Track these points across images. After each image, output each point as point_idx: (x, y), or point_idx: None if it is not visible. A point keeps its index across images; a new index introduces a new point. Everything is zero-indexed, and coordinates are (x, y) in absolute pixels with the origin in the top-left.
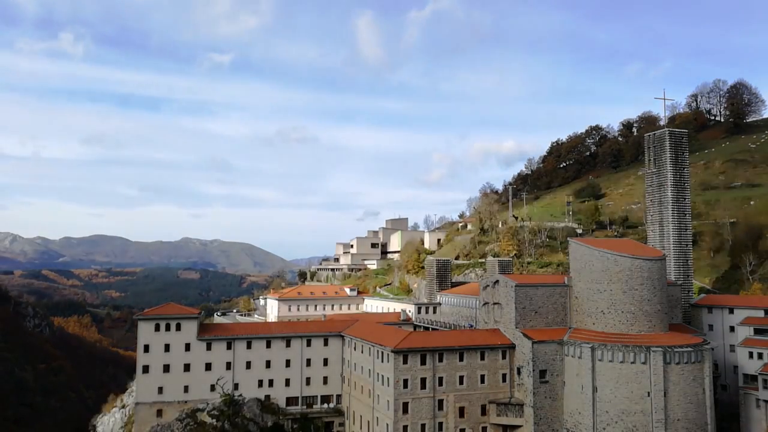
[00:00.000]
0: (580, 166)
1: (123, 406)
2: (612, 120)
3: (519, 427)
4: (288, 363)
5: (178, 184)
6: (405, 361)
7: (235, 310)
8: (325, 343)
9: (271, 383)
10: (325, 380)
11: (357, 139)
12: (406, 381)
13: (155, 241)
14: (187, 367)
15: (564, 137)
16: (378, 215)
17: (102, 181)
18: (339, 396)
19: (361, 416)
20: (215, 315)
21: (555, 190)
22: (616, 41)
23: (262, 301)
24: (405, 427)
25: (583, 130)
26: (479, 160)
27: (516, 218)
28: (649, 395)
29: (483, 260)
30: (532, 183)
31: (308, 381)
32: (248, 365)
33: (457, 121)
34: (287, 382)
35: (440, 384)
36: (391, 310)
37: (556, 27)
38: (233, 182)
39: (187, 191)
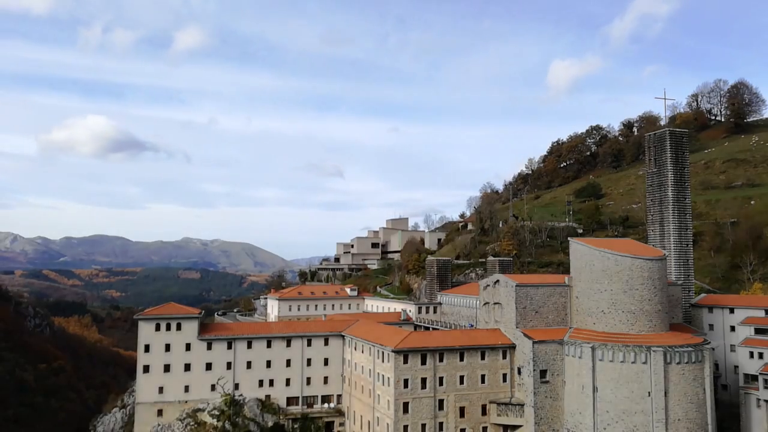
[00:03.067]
0: (581, 165)
1: (123, 406)
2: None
3: (519, 427)
4: (288, 363)
5: (179, 183)
6: (405, 361)
7: (235, 310)
8: (326, 343)
9: (271, 383)
10: (326, 380)
11: (358, 135)
12: (406, 381)
13: (156, 241)
14: (187, 367)
15: (564, 137)
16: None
17: (102, 181)
18: (339, 396)
19: (361, 416)
20: (216, 315)
21: (555, 190)
22: None
23: (262, 301)
24: (405, 427)
25: (584, 130)
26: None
27: (516, 218)
28: (649, 395)
29: (483, 260)
30: (532, 182)
31: (309, 381)
32: (249, 365)
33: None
34: (288, 382)
35: (441, 384)
36: (392, 310)
37: None
38: (234, 181)
39: (187, 190)
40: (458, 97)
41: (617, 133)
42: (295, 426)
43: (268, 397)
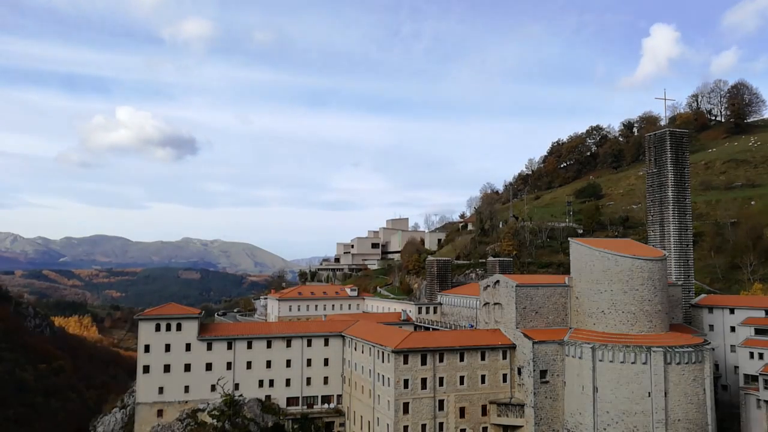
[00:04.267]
0: (581, 166)
1: (123, 406)
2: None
3: (519, 427)
4: (288, 363)
5: (179, 183)
6: (405, 361)
7: (235, 310)
8: (326, 343)
9: (271, 383)
10: (326, 380)
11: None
12: (406, 381)
13: (156, 241)
14: (187, 367)
15: (564, 137)
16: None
17: (103, 181)
18: (339, 396)
19: (361, 416)
20: (216, 315)
21: (555, 190)
22: None
23: (262, 301)
24: (405, 428)
25: (584, 130)
26: None
27: (516, 218)
28: (649, 395)
29: (483, 260)
30: (532, 183)
31: (309, 381)
32: (249, 365)
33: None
34: (288, 382)
35: (441, 384)
36: (392, 311)
37: None
38: (236, 181)
39: (188, 190)
40: (474, 91)
41: (617, 134)
42: (295, 426)
43: (268, 397)
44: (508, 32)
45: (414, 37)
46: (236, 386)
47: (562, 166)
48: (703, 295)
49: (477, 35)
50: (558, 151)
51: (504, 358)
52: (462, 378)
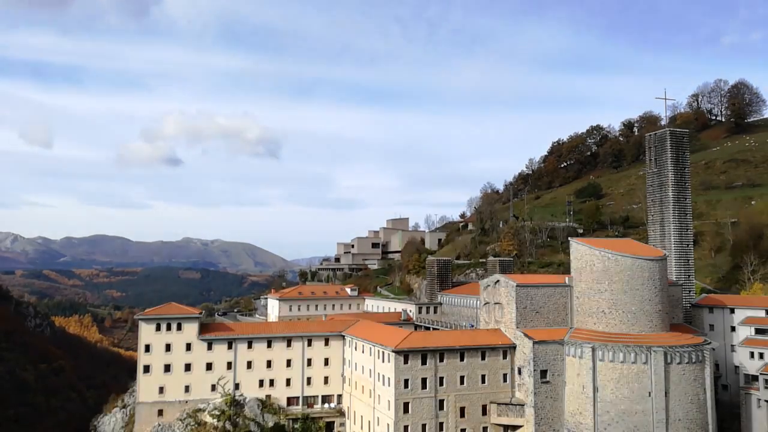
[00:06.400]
0: (581, 165)
1: (124, 406)
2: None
3: (520, 427)
4: (289, 363)
5: (179, 183)
6: (406, 361)
7: (236, 310)
8: (326, 343)
9: (272, 383)
10: (326, 380)
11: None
12: (406, 381)
13: (156, 241)
14: (188, 367)
15: (565, 137)
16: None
17: (103, 180)
18: (340, 396)
19: (362, 416)
20: (216, 315)
21: (556, 190)
22: None
23: (263, 301)
24: (406, 427)
25: (584, 130)
26: None
27: (516, 218)
28: (650, 395)
29: (483, 260)
30: (532, 183)
31: (309, 381)
32: (249, 365)
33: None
34: (288, 382)
35: (441, 384)
36: (392, 310)
37: None
38: (235, 180)
39: (188, 189)
40: (499, 81)
41: (618, 133)
42: (296, 426)
43: (268, 397)
44: (544, 15)
45: (441, 17)
46: (237, 386)
47: (562, 165)
48: (703, 295)
49: (509, 14)
50: (558, 150)
51: (504, 357)
52: (462, 378)
